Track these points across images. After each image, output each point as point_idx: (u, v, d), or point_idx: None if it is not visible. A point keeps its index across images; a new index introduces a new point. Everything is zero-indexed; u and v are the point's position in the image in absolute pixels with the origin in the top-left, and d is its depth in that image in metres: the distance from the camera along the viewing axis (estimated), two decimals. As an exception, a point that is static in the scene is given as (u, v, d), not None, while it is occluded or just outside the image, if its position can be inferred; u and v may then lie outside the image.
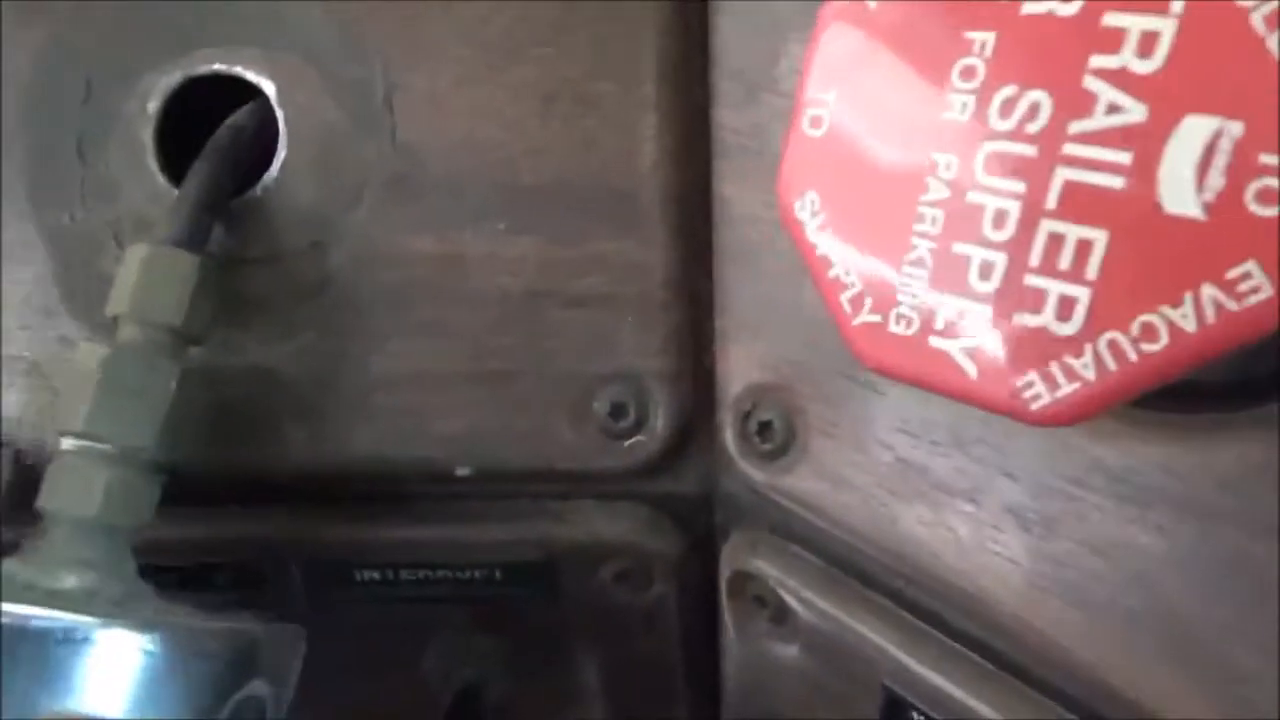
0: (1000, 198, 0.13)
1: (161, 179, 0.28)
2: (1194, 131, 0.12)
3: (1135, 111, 0.12)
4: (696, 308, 0.27)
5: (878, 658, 0.24)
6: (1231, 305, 0.11)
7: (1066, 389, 0.13)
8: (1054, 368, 0.13)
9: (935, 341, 0.14)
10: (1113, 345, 0.12)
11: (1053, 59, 0.13)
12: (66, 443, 0.23)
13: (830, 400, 0.24)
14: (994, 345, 0.13)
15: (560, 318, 0.27)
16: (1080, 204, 0.12)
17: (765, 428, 0.25)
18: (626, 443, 0.27)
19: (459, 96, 0.27)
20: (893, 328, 0.14)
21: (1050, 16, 0.13)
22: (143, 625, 0.20)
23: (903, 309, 0.14)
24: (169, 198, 0.28)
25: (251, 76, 0.28)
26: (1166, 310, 0.12)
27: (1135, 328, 0.12)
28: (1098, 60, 0.12)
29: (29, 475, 0.27)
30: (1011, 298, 0.13)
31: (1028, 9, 0.13)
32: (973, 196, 0.13)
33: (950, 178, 0.14)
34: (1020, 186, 0.13)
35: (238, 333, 0.28)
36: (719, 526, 0.28)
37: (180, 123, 0.28)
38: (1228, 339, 0.12)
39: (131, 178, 0.28)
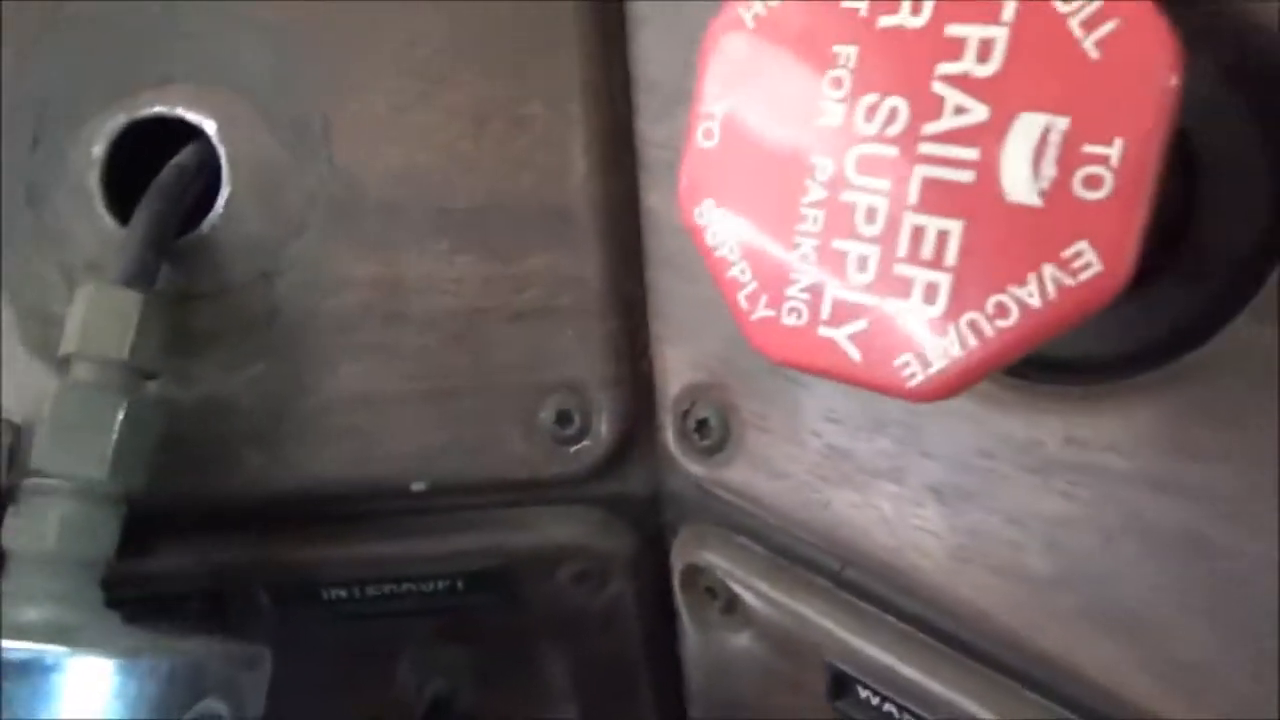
0: (870, 195, 0.14)
1: (110, 221, 0.29)
2: (1028, 127, 0.13)
3: (978, 112, 0.13)
4: (631, 315, 0.28)
5: (822, 639, 0.25)
6: (1069, 281, 0.13)
7: (937, 366, 0.14)
8: (925, 348, 0.14)
9: (824, 331, 0.15)
10: (973, 324, 0.13)
11: (906, 67, 0.14)
12: (25, 483, 0.24)
13: (760, 395, 0.25)
14: (873, 330, 0.14)
15: (503, 333, 0.28)
16: (937, 198, 0.14)
17: (702, 425, 0.26)
18: (573, 449, 0.28)
19: (393, 123, 0.28)
20: (785, 320, 0.15)
21: (902, 29, 0.14)
22: (86, 649, 0.21)
23: (793, 302, 0.15)
24: (118, 239, 0.28)
25: (191, 116, 0.29)
26: (1015, 290, 0.13)
27: (990, 307, 0.13)
28: (944, 67, 0.14)
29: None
30: (884, 286, 0.14)
31: (883, 23, 0.14)
32: (846, 196, 0.14)
33: (826, 179, 0.15)
34: (886, 184, 0.14)
35: (192, 365, 0.29)
36: (668, 524, 0.29)
37: (128, 163, 0.29)
38: (1069, 312, 0.13)
39: (80, 222, 0.29)
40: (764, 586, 0.26)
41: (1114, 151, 0.12)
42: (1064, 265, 0.13)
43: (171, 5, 0.29)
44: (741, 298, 0.16)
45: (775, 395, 0.25)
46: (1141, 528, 0.19)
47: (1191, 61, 0.12)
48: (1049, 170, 0.13)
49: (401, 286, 0.28)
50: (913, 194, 0.14)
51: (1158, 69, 0.12)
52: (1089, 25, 0.12)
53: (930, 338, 0.14)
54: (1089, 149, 0.12)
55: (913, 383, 0.14)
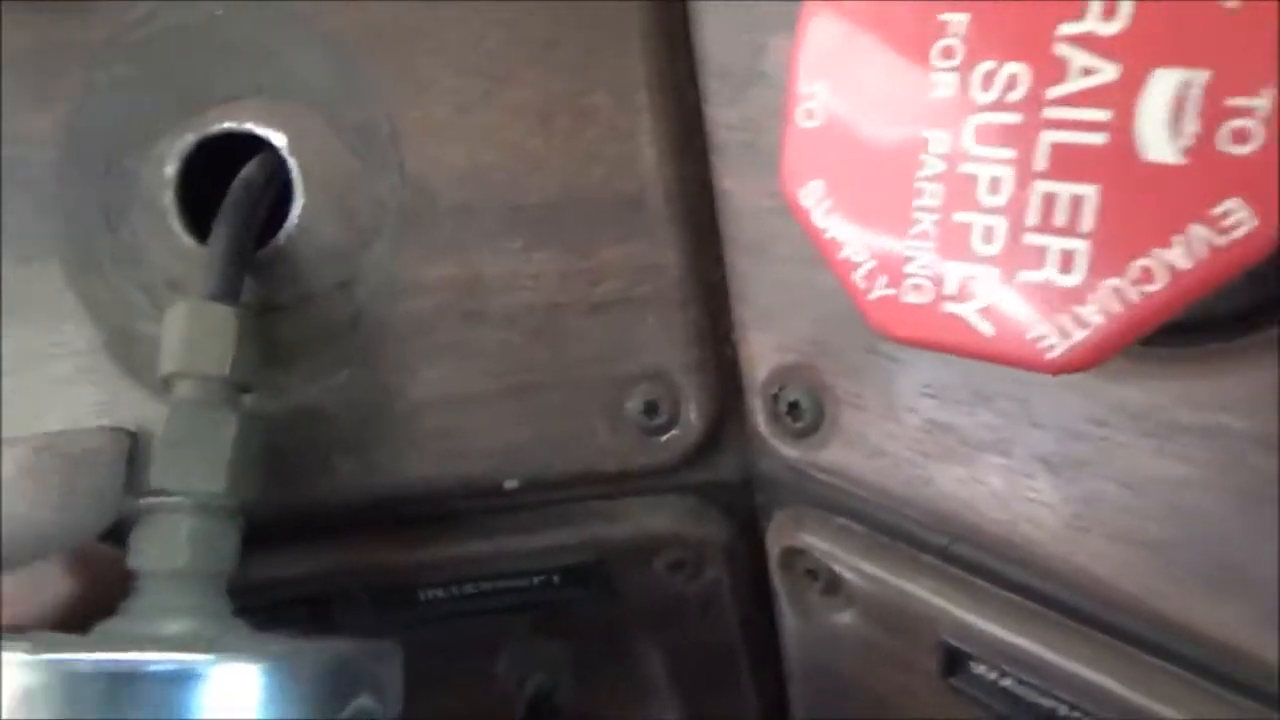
0: (992, 165, 0.14)
1: (187, 239, 0.29)
2: (1164, 84, 0.12)
3: (1107, 72, 0.13)
4: (712, 300, 0.28)
5: (934, 615, 0.25)
6: (1220, 241, 0.12)
7: (1077, 336, 0.13)
8: (1063, 318, 0.14)
9: (949, 307, 0.14)
10: (1116, 291, 0.13)
11: (1023, 31, 0.13)
12: (144, 502, 0.24)
13: (854, 374, 0.25)
14: (1004, 304, 0.14)
15: (583, 325, 0.28)
16: (1068, 163, 0.13)
17: (794, 407, 0.26)
18: (663, 438, 0.28)
19: (459, 125, 0.28)
20: (906, 298, 0.15)
21: (1017, -9, 0.13)
22: (248, 656, 0.21)
23: (914, 280, 0.15)
24: (197, 256, 0.29)
25: (261, 131, 0.29)
26: (1160, 253, 0.13)
27: (1133, 271, 0.13)
28: (1065, 28, 0.13)
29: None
30: (1014, 257, 0.14)
31: (995, -13, 0.14)
32: (966, 167, 0.14)
33: (943, 152, 0.14)
34: (1010, 153, 0.14)
35: (278, 376, 0.29)
36: (761, 507, 0.29)
37: (202, 180, 0.29)
38: (1219, 273, 0.12)
39: (157, 241, 0.29)
40: (868, 566, 0.26)
41: (1263, 103, 0.12)
42: (1213, 224, 0.12)
43: (234, 23, 0.29)
44: (858, 278, 0.15)
45: (869, 373, 0.24)
46: (1262, 488, 0.19)
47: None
48: (1190, 127, 0.12)
49: (478, 286, 0.28)
50: (1040, 160, 0.13)
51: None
52: (1227, -27, 0.12)
53: (1068, 307, 0.13)
54: (1234, 102, 0.12)
55: (1052, 354, 0.14)
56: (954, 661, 0.25)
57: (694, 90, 0.28)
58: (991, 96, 0.14)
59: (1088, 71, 0.13)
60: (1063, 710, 0.23)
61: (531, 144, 0.28)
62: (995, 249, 0.14)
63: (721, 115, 0.26)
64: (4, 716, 0.19)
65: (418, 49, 0.28)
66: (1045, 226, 0.13)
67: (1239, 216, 0.12)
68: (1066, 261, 0.13)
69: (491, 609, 0.30)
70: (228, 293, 0.26)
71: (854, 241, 0.15)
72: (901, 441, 0.24)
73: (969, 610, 0.24)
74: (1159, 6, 0.13)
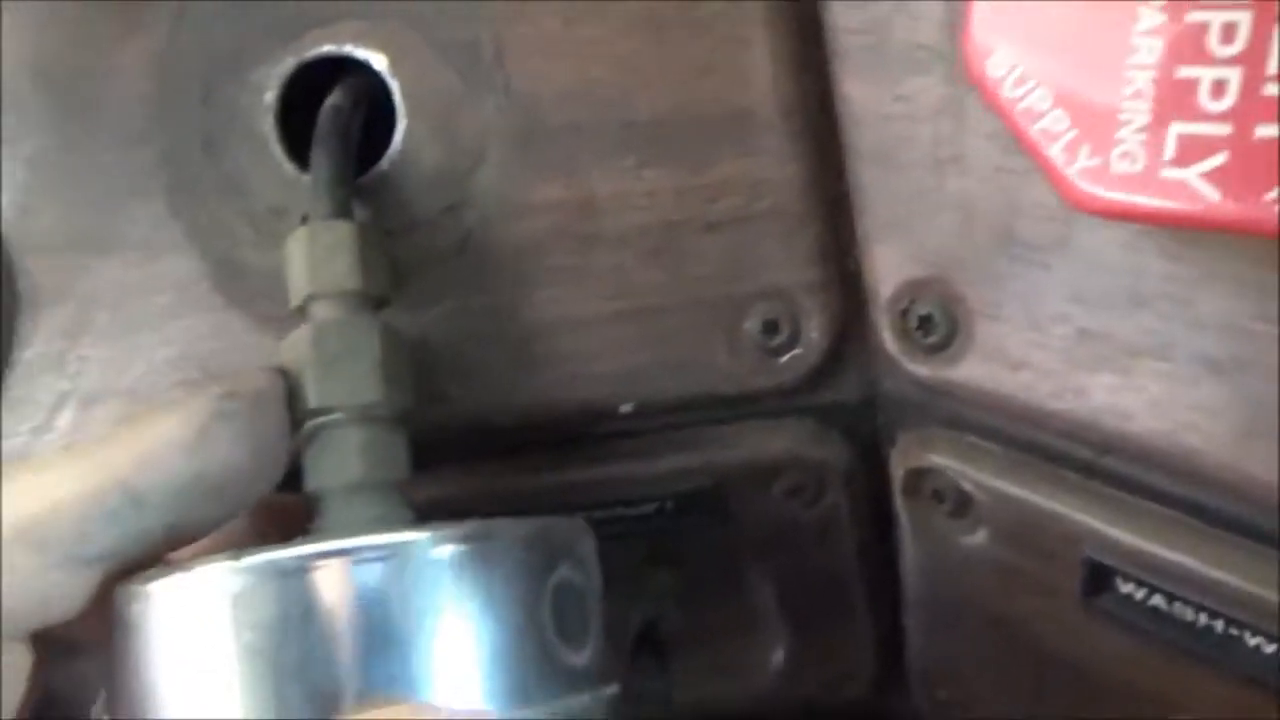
0: (1227, 11, 0.13)
1: (289, 166, 0.28)
2: None
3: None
4: (834, 214, 0.27)
5: (1078, 532, 0.24)
6: None
7: (1325, 196, 0.12)
8: (1308, 177, 0.13)
9: (1167, 173, 0.13)
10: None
11: None
12: (308, 425, 0.24)
13: (991, 282, 0.24)
14: (1235, 163, 0.13)
15: (700, 244, 0.27)
16: (1319, 3, 0.12)
17: (925, 322, 0.25)
18: (783, 359, 0.27)
19: (567, 40, 0.27)
20: (1116, 168, 0.14)
21: None
22: (455, 534, 0.20)
23: (1125, 146, 0.14)
24: (299, 184, 0.28)
25: (360, 53, 0.28)
26: None
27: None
28: None
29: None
30: (1251, 111, 0.13)
31: None
32: (1194, 16, 0.13)
33: (1165, 1, 0.13)
34: (1246, -4, 0.13)
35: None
36: (883, 429, 0.28)
37: (304, 102, 0.28)
38: None
39: (259, 169, 0.29)
40: (1004, 484, 0.25)
41: None
42: None
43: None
44: (1057, 150, 0.14)
45: (1008, 281, 0.23)
46: None
47: None
48: None
49: (591, 206, 0.27)
50: (1285, 2, 0.12)
51: None
52: None
53: (1316, 164, 0.12)
54: None
55: (1291, 217, 0.13)
56: (1098, 580, 0.24)
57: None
58: (1222, -63, 0.13)
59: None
60: (1218, 625, 0.22)
61: (643, 57, 0.27)
62: (1227, 103, 0.13)
63: (843, 19, 0.25)
64: (225, 632, 0.19)
65: (522, -38, 0.27)
66: (1291, 75, 0.12)
67: None
68: (1316, 112, 0.12)
69: (604, 537, 0.30)
70: (341, 211, 0.26)
71: (1053, 110, 0.14)
72: (1047, 351, 0.23)
73: (1117, 525, 0.23)
74: None
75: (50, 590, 0.20)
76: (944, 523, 0.27)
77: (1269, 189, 0.13)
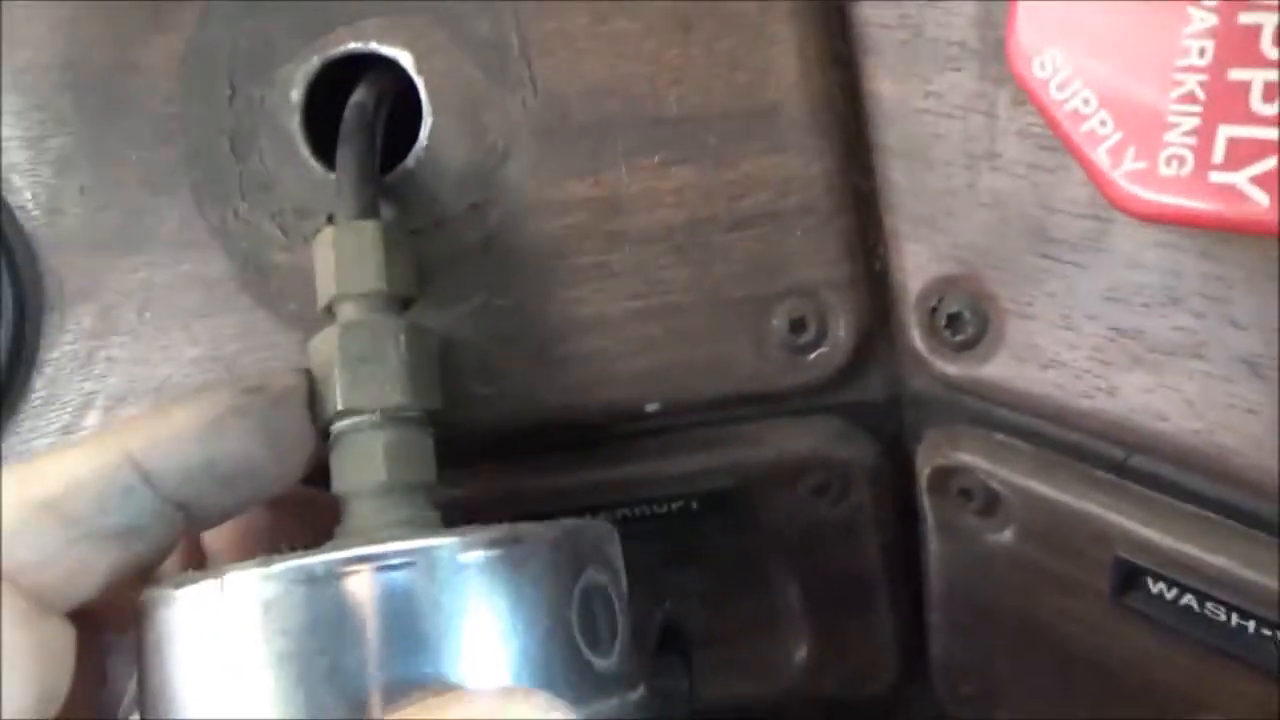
0: (1280, 14, 0.13)
1: (316, 165, 0.28)
2: None
3: None
4: (861, 211, 0.27)
5: (1108, 532, 0.24)
6: None
7: (1378, 200, 0.12)
8: (1363, 180, 0.12)
9: (1216, 177, 0.13)
10: None
11: None
12: (336, 426, 0.24)
13: (1022, 280, 0.24)
14: (1287, 168, 0.13)
15: (726, 242, 0.27)
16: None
17: (955, 319, 0.25)
18: (810, 356, 0.27)
19: (595, 37, 0.27)
20: (1164, 170, 0.14)
21: None
22: (482, 539, 0.20)
23: (1173, 149, 0.14)
24: (326, 183, 0.28)
25: (386, 50, 0.28)
26: None
27: None
28: None
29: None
30: (1305, 115, 0.13)
31: None
32: (1247, 17, 0.13)
33: (1215, 3, 0.13)
34: (1301, -2, 0.13)
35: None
36: (908, 427, 0.28)
37: (329, 100, 0.28)
38: None
39: (286, 168, 0.29)
40: (1034, 484, 0.25)
41: None
42: None
43: (355, -63, 0.28)
44: (1101, 152, 0.14)
45: (1041, 278, 0.23)
46: None
47: None
48: None
49: (617, 204, 0.27)
50: (1342, 4, 0.12)
51: None
52: None
53: (1372, 167, 0.12)
54: None
55: (1345, 222, 0.13)
56: (1128, 580, 0.24)
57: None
58: (1276, -62, 0.13)
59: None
60: (1251, 625, 0.22)
61: (671, 53, 0.27)
62: (1279, 106, 0.13)
63: (873, 13, 0.25)
64: (256, 638, 0.19)
65: (549, -42, 0.27)
66: (1347, 77, 0.12)
67: None
68: (1373, 115, 0.12)
69: (628, 537, 0.30)
70: (367, 210, 0.25)
71: (1099, 112, 0.14)
72: (1080, 351, 0.23)
73: (1149, 526, 0.23)
74: None
75: (75, 565, 0.21)
76: (971, 520, 0.27)
77: (1322, 193, 0.13)
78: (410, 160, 0.28)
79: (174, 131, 0.29)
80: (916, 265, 0.26)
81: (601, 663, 0.22)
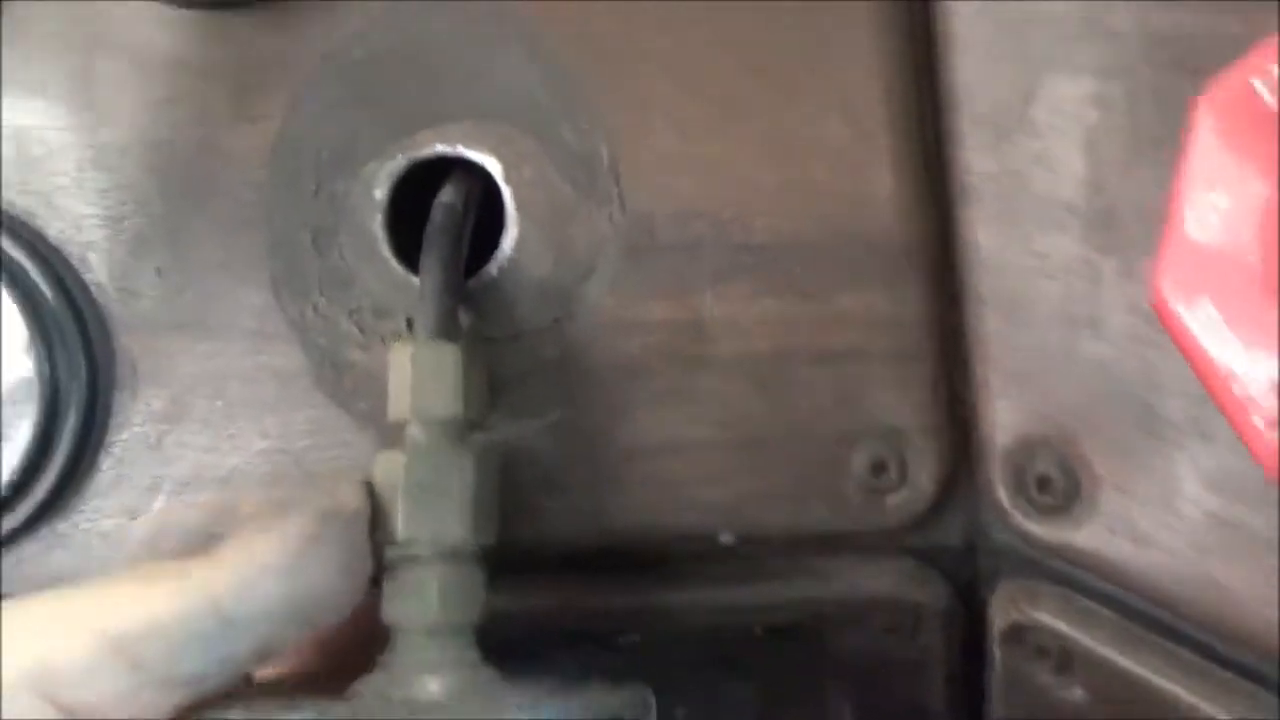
0: None
1: (396, 265, 0.28)
2: None
3: None
4: (949, 357, 0.26)
5: (1192, 716, 0.23)
6: None
7: None
8: None
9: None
10: None
11: None
12: (392, 553, 0.23)
13: (1122, 454, 0.23)
14: None
15: (810, 376, 0.26)
16: None
17: (1044, 481, 0.24)
18: (890, 499, 0.26)
19: (685, 158, 0.27)
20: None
21: None
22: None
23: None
24: (406, 284, 0.28)
25: (474, 155, 0.28)
26: None
27: None
28: None
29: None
30: None
31: None
32: None
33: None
34: None
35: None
36: (984, 574, 0.27)
37: (411, 200, 0.28)
38: None
39: (366, 266, 0.28)
40: (1115, 656, 0.24)
41: None
42: None
43: (449, 42, 0.28)
44: (1257, 419, 0.14)
45: (1142, 455, 0.23)
46: None
47: None
48: None
49: (699, 329, 0.27)
50: None
51: None
52: None
53: None
54: None
55: None
56: (1211, 765, 0.23)
57: (935, 126, 0.26)
58: None
59: None
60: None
61: (763, 179, 0.26)
62: None
63: (976, 162, 0.25)
64: None
65: (644, 74, 0.27)
66: None
67: None
68: None
69: (689, 661, 0.29)
70: (448, 329, 0.25)
71: (1258, 378, 0.14)
72: (1178, 534, 0.22)
73: (1236, 715, 0.22)
74: None
75: (141, 710, 0.20)
76: (1042, 677, 0.26)
77: None
78: (493, 268, 0.28)
79: (256, 220, 0.29)
80: (1006, 420, 0.25)
81: None
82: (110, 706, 0.20)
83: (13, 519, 0.29)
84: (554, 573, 0.29)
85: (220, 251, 0.29)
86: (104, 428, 0.29)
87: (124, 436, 0.29)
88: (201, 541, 0.22)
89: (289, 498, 0.24)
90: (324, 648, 0.25)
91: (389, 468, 0.24)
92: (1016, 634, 0.26)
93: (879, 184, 0.26)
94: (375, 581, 0.23)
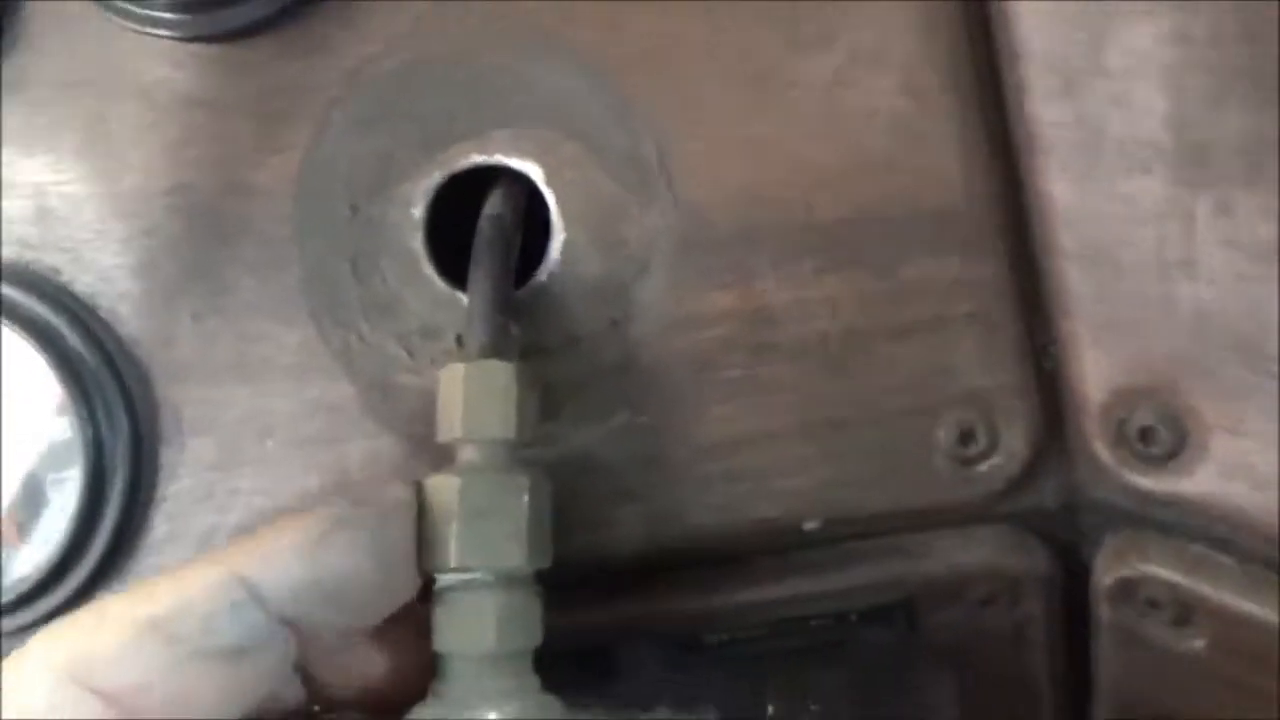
0: None
1: (441, 284, 0.27)
2: None
3: None
4: (1029, 314, 0.25)
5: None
6: None
7: None
8: None
9: None
10: None
11: None
12: (444, 579, 0.23)
13: (1231, 396, 0.22)
14: None
15: (887, 352, 0.26)
16: None
17: (1147, 433, 0.23)
18: (981, 467, 0.26)
19: (737, 142, 0.26)
20: None
21: None
22: None
23: None
24: (453, 301, 0.27)
25: (514, 163, 0.27)
26: None
27: None
28: None
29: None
30: None
31: None
32: None
33: None
34: None
35: (549, 422, 0.27)
36: (1085, 532, 0.27)
37: (447, 215, 0.27)
38: None
39: (410, 288, 0.27)
40: (1241, 601, 0.23)
41: None
42: None
43: (479, 51, 0.27)
44: None
45: (1253, 394, 0.22)
46: None
47: None
48: None
49: (766, 315, 0.26)
50: None
51: None
52: None
53: None
54: None
55: None
56: (1353, 705, 0.22)
57: (995, 82, 0.25)
58: None
59: None
60: None
61: (818, 155, 0.26)
62: None
63: (1048, 112, 0.24)
64: None
65: (684, 61, 0.26)
66: None
67: None
68: None
69: (780, 650, 0.29)
70: (499, 347, 0.24)
71: None
72: (1302, 472, 0.21)
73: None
74: None
75: (183, 686, 0.20)
76: (1159, 630, 0.26)
77: None
78: (542, 275, 0.27)
79: (289, 254, 0.28)
80: (1100, 374, 0.24)
81: None
82: (153, 686, 0.19)
83: (64, 588, 0.28)
84: (636, 581, 0.28)
85: (255, 291, 0.28)
86: (153, 484, 0.28)
87: (174, 490, 0.28)
88: None
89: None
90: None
91: (442, 493, 0.23)
92: (1125, 589, 0.26)
93: (941, 148, 0.25)
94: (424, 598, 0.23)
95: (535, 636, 0.23)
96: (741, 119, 0.26)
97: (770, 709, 0.31)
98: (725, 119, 0.26)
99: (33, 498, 0.28)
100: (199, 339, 0.28)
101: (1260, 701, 0.25)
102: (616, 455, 0.27)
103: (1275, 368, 0.21)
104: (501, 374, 0.24)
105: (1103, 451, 0.24)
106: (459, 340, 0.27)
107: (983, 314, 0.25)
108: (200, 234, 0.28)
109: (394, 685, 0.24)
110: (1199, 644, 0.25)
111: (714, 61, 0.26)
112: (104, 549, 0.28)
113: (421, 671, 0.23)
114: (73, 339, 0.27)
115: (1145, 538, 0.25)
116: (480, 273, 0.25)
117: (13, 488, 0.28)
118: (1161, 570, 0.25)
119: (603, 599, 0.28)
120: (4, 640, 0.28)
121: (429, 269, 0.27)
